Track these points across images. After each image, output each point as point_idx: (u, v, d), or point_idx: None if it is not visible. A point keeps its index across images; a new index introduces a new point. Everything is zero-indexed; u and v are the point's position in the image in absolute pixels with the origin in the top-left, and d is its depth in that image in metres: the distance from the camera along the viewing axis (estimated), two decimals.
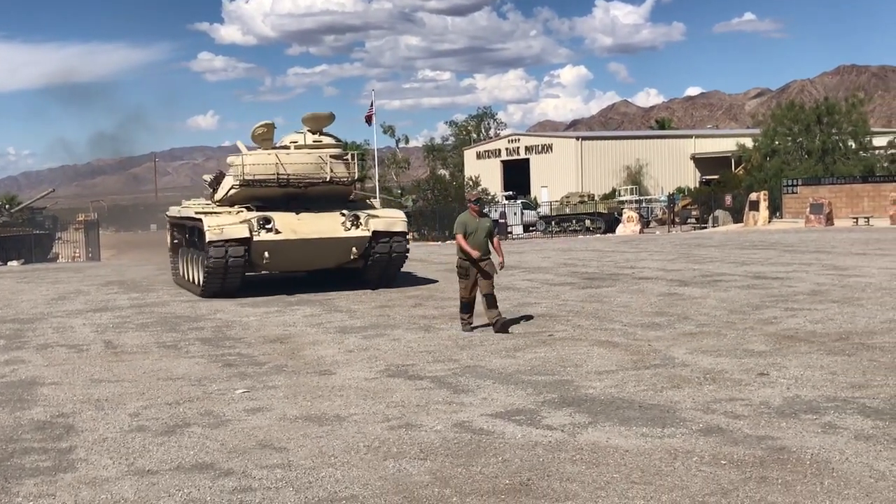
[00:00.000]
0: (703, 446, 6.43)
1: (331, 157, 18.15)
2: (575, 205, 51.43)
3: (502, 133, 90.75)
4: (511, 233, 46.05)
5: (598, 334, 11.45)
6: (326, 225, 17.53)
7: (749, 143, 55.87)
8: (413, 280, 19.77)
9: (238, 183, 17.90)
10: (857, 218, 39.30)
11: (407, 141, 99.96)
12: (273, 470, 6.24)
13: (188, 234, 19.63)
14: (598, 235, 43.25)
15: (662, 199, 57.06)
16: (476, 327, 12.20)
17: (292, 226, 17.27)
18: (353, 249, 17.47)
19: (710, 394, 8.03)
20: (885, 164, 51.41)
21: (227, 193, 18.56)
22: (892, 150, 53.18)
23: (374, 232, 17.52)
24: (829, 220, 38.81)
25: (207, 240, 16.59)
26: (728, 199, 47.50)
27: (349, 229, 17.49)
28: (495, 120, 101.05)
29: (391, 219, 18.17)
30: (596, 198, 53.86)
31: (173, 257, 21.83)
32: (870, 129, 56.16)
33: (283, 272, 18.82)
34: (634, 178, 67.63)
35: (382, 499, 5.60)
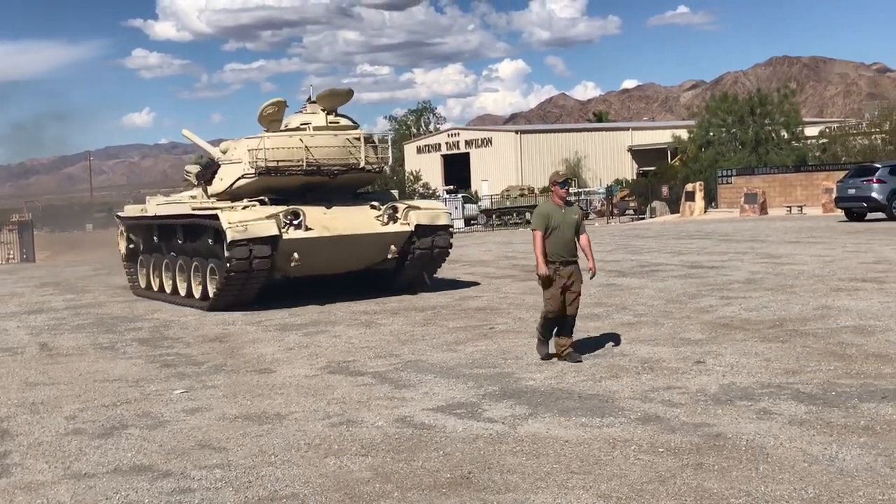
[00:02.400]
0: (641, 435, 6.51)
1: (357, 139, 15.67)
2: (515, 198, 51.64)
3: (442, 127, 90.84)
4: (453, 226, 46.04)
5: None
6: (360, 219, 15.08)
7: (684, 134, 56.55)
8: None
9: (253, 171, 15.03)
10: (790, 207, 39.99)
11: None
12: (212, 470, 6.19)
13: (167, 238, 16.77)
14: None
15: (601, 191, 57.55)
16: (551, 355, 9.37)
17: (322, 221, 14.66)
18: (392, 247, 15.08)
19: (647, 383, 8.13)
20: (817, 154, 52.37)
21: (231, 185, 15.58)
22: (824, 140, 54.21)
23: (416, 226, 15.15)
24: (763, 209, 39.45)
25: (229, 239, 13.68)
26: (665, 190, 48.10)
27: (386, 224, 15.06)
28: (435, 114, 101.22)
29: (434, 211, 15.83)
30: (536, 191, 54.15)
31: (129, 266, 18.79)
32: (802, 119, 57.15)
33: (304, 276, 15.31)
34: (573, 171, 68.12)
35: (323, 496, 5.58)
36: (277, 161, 15.00)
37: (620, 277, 16.35)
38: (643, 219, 45.32)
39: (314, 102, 16.10)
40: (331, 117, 15.91)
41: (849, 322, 10.54)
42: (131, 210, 19.07)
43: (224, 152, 16.18)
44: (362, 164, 15.53)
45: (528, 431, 6.76)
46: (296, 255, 14.27)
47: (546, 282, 9.13)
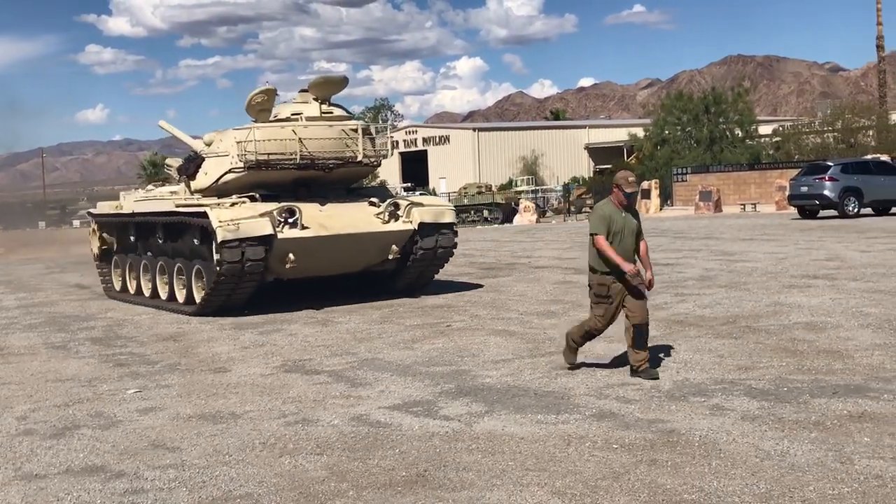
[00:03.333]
0: (596, 431, 6.55)
1: (353, 130, 14.56)
2: (473, 196, 51.69)
3: (400, 125, 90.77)
4: None
5: (494, 324, 11.55)
6: (359, 218, 13.99)
7: (640, 133, 56.99)
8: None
9: (243, 165, 13.80)
10: (744, 204, 40.44)
11: None
12: (166, 470, 6.13)
13: (145, 236, 15.72)
14: (496, 226, 43.60)
15: (558, 188, 57.82)
16: (584, 365, 8.80)
17: (318, 219, 13.57)
18: (393, 247, 14.05)
19: (602, 379, 8.18)
20: (771, 152, 53.00)
21: (218, 180, 14.35)
22: (777, 139, 54.89)
23: (420, 224, 14.14)
24: (718, 206, 39.87)
25: (220, 239, 12.56)
26: None
27: (387, 222, 14.03)
28: (393, 112, 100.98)
29: (438, 208, 14.84)
30: (493, 188, 54.27)
31: (103, 266, 17.78)
32: (755, 117, 57.81)
33: (299, 278, 14.18)
34: (530, 169, 68.41)
35: (278, 495, 5.55)
36: (268, 154, 13.81)
37: (577, 275, 16.43)
38: None
39: (305, 91, 14.96)
40: (324, 107, 14.72)
41: (801, 318, 10.68)
42: (105, 207, 17.76)
43: (208, 144, 14.97)
44: (360, 157, 14.42)
45: (484, 429, 6.77)
46: (291, 255, 13.21)
47: (604, 295, 8.32)
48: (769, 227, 27.35)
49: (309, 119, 14.42)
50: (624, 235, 8.29)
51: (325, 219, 13.65)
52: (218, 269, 12.86)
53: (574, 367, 8.64)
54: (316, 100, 14.71)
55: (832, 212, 29.92)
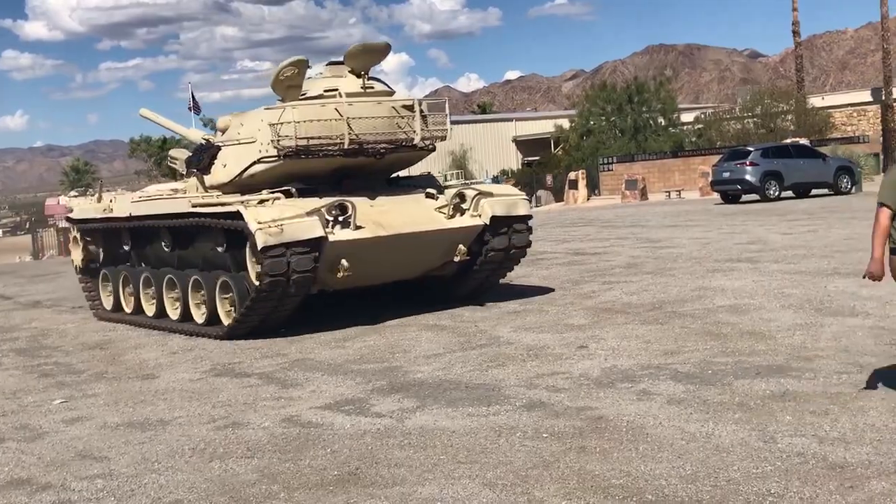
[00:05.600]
0: (526, 421, 6.61)
1: (406, 108, 12.15)
2: None
3: None
4: None
5: (425, 318, 11.57)
6: (418, 213, 11.67)
7: (566, 124, 57.50)
8: None
9: (276, 153, 11.39)
10: (669, 192, 41.05)
11: None
12: (94, 480, 6.04)
13: (144, 244, 13.31)
14: None
15: (487, 181, 58.04)
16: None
17: (371, 217, 11.19)
18: (461, 247, 11.74)
19: (533, 369, 8.25)
20: (693, 139, 53.84)
21: (242, 173, 11.94)
22: (699, 126, 55.77)
23: (492, 219, 11.86)
24: (644, 195, 40.43)
25: (261, 245, 10.22)
26: (549, 179, 48.87)
27: (452, 217, 11.72)
28: None
29: (511, 198, 12.34)
30: None
31: (88, 281, 15.00)
32: (677, 106, 58.73)
33: (348, 288, 11.86)
34: (459, 163, 68.49)
35: (208, 500, 5.51)
36: (309, 139, 11.39)
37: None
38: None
39: (339, 63, 12.45)
40: (361, 82, 12.19)
41: (724, 302, 10.89)
42: (87, 209, 14.58)
43: (223, 130, 12.65)
44: (418, 140, 12.08)
45: (415, 424, 6.79)
46: (344, 262, 10.82)
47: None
48: (693, 213, 27.81)
49: (349, 96, 11.89)
50: None
51: (378, 216, 11.30)
52: (259, 282, 10.50)
53: None
54: (352, 72, 12.28)
55: (754, 196, 30.53)
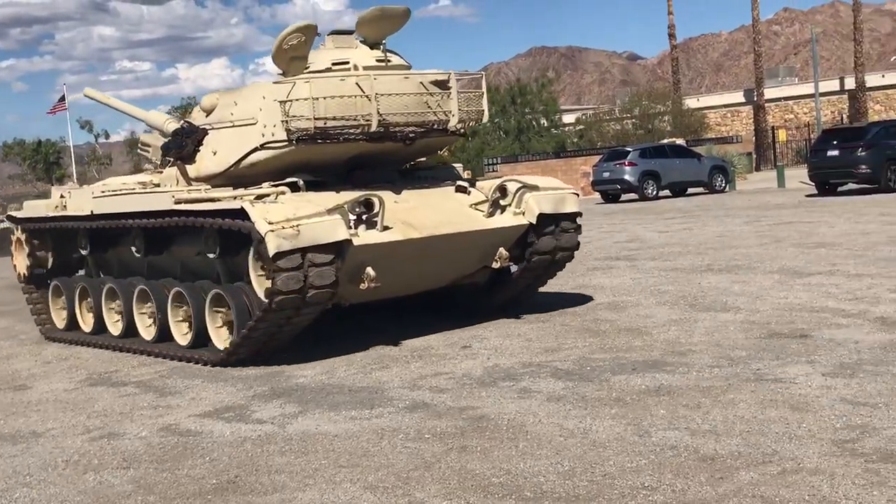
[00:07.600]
0: (408, 423, 6.63)
1: (437, 83, 10.01)
2: None
3: None
4: None
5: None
6: (453, 210, 9.80)
7: None
8: None
9: (286, 137, 9.34)
10: None
11: (107, 136, 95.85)
12: None
13: (105, 248, 11.44)
14: None
15: None
16: None
17: (398, 215, 9.26)
18: (502, 250, 9.96)
19: (416, 370, 8.28)
20: (575, 140, 54.90)
21: (240, 161, 9.74)
22: (581, 127, 56.86)
23: (539, 216, 10.04)
24: None
25: (273, 250, 8.16)
26: None
27: (491, 215, 9.89)
28: None
29: (559, 192, 10.47)
30: None
31: (36, 293, 12.53)
32: (559, 107, 59.83)
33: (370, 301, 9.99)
34: None
35: None
36: (326, 119, 9.30)
37: None
38: None
39: (347, 33, 10.38)
40: (379, 53, 10.20)
41: (604, 299, 11.12)
42: (36, 208, 12.19)
43: (208, 111, 10.31)
44: (454, 122, 10.13)
45: (297, 430, 6.73)
46: (370, 270, 8.89)
47: None
48: None
49: (367, 69, 9.82)
50: None
51: (406, 214, 9.38)
52: (269, 295, 8.45)
53: None
54: (364, 41, 10.34)
55: (633, 195, 31.26)
